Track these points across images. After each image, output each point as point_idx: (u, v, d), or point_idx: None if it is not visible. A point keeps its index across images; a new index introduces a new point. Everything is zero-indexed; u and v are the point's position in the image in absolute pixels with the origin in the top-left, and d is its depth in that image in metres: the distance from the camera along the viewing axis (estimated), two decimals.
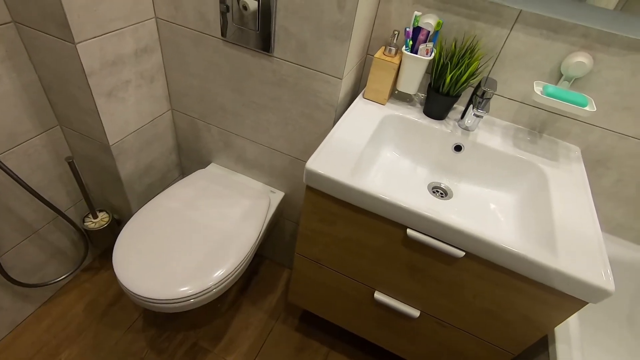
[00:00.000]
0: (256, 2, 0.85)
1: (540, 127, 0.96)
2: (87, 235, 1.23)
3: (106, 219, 1.23)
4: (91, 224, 1.21)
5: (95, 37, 0.86)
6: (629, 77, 0.81)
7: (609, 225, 1.03)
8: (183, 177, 1.21)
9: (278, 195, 1.23)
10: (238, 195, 1.16)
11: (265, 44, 0.91)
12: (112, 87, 0.96)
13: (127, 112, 1.04)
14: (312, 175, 0.75)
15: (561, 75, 0.86)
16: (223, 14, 0.91)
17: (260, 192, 1.19)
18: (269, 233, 1.44)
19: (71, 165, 1.02)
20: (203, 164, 1.33)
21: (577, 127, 0.92)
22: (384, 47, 0.92)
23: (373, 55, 0.98)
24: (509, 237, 0.79)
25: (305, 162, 1.08)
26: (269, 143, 1.13)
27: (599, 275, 0.64)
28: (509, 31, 0.85)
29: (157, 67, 1.08)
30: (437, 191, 0.93)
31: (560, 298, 0.68)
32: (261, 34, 0.90)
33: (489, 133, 0.94)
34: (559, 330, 0.81)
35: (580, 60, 0.81)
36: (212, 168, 1.29)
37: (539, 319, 0.74)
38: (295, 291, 1.10)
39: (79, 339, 1.22)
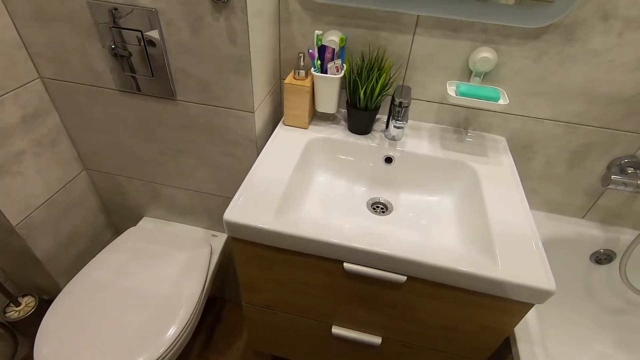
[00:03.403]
0: (143, 45, 0.78)
1: (464, 124, 0.95)
2: (12, 327, 1.09)
3: (32, 304, 1.09)
4: (14, 313, 1.07)
5: None
6: (532, 64, 0.81)
7: (550, 206, 1.04)
8: (118, 236, 1.11)
9: (221, 238, 1.15)
10: (174, 249, 1.07)
11: (163, 88, 0.84)
12: (1, 163, 0.85)
13: (29, 185, 0.93)
14: (233, 226, 0.69)
15: (471, 71, 0.85)
16: (114, 61, 0.83)
17: (199, 240, 1.10)
18: (221, 277, 1.36)
19: None
20: (136, 219, 1.23)
21: (498, 119, 0.92)
22: (293, 71, 0.88)
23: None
24: (452, 248, 0.77)
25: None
26: (197, 187, 1.06)
27: (540, 276, 0.62)
28: (412, 36, 0.83)
29: (56, 130, 0.98)
30: (378, 207, 0.90)
31: (508, 304, 0.66)
32: (157, 79, 0.83)
33: (416, 139, 0.92)
34: (518, 330, 0.80)
35: (484, 55, 0.80)
36: (144, 223, 1.19)
37: (494, 325, 0.72)
38: (254, 338, 1.02)
39: None
